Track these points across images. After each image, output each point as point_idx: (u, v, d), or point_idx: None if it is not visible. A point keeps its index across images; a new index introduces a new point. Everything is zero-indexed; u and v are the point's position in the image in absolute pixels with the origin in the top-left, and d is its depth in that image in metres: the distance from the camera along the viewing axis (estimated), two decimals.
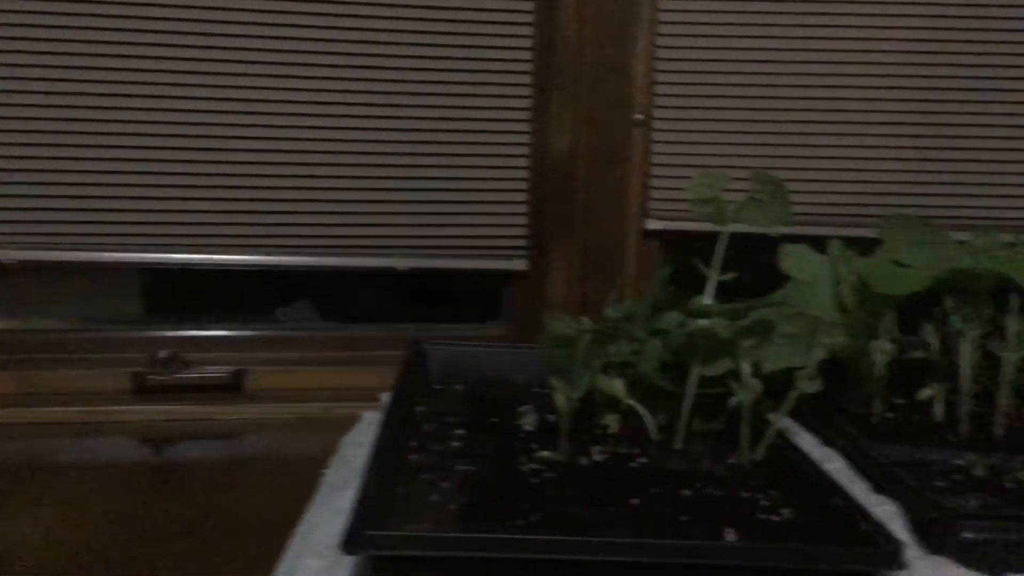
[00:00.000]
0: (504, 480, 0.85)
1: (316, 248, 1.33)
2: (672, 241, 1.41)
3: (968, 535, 0.69)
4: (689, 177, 0.97)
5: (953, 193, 1.38)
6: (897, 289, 0.87)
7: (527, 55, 1.34)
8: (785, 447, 0.89)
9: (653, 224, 1.39)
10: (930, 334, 1.04)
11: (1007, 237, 0.94)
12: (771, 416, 0.89)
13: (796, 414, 1.02)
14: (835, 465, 0.89)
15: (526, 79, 1.34)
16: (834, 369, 1.02)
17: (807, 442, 0.96)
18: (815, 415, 0.97)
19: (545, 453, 0.90)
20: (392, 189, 1.33)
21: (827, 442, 0.93)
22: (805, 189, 1.38)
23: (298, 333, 1.40)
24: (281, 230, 1.32)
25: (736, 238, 0.94)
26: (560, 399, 0.91)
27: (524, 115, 1.35)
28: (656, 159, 1.38)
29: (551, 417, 1.01)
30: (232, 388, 1.28)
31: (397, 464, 0.88)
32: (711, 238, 0.98)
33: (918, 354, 1.10)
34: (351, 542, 0.63)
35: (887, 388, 1.05)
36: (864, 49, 1.36)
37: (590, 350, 0.91)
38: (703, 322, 0.92)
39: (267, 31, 1.29)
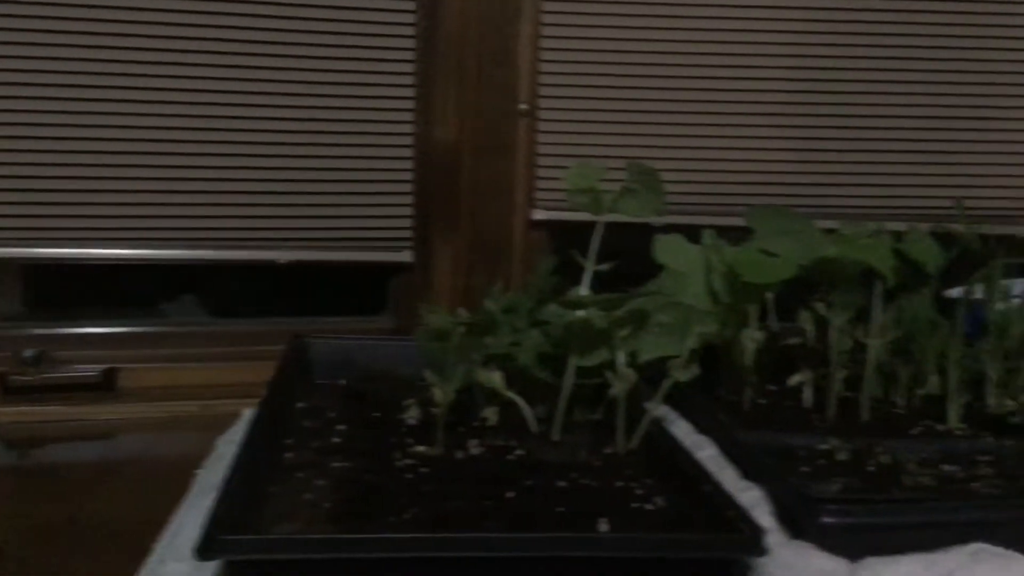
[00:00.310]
0: (379, 477, 0.84)
1: (195, 241, 1.30)
2: (560, 231, 1.42)
3: (828, 520, 0.70)
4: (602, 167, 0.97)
5: (824, 183, 1.42)
6: (764, 278, 0.89)
7: (409, 44, 1.32)
8: (660, 436, 0.90)
9: (539, 214, 1.39)
10: (806, 321, 1.06)
11: (872, 226, 0.96)
12: (647, 405, 0.89)
13: (673, 402, 1.03)
14: (708, 452, 0.90)
15: (409, 68, 1.33)
16: (709, 357, 1.04)
17: (683, 430, 0.97)
18: (691, 403, 0.98)
19: (420, 448, 0.89)
20: (274, 180, 1.30)
21: (701, 430, 0.94)
22: (688, 179, 1.40)
23: (175, 329, 1.36)
24: (159, 223, 1.28)
25: (631, 227, 0.94)
26: (438, 393, 0.90)
27: (408, 105, 1.33)
28: (541, 149, 1.38)
29: (435, 411, 1.01)
30: (104, 387, 1.24)
31: (269, 462, 0.86)
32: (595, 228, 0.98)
33: (794, 341, 1.13)
34: (206, 547, 0.61)
35: (761, 375, 1.07)
36: (741, 41, 1.39)
37: (466, 343, 0.90)
38: (580, 313, 0.92)
39: (145, 26, 1.24)
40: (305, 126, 1.31)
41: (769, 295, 1.10)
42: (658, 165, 1.39)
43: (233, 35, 1.27)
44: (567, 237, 1.46)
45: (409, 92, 1.33)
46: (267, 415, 0.93)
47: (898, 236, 1.00)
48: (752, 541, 0.68)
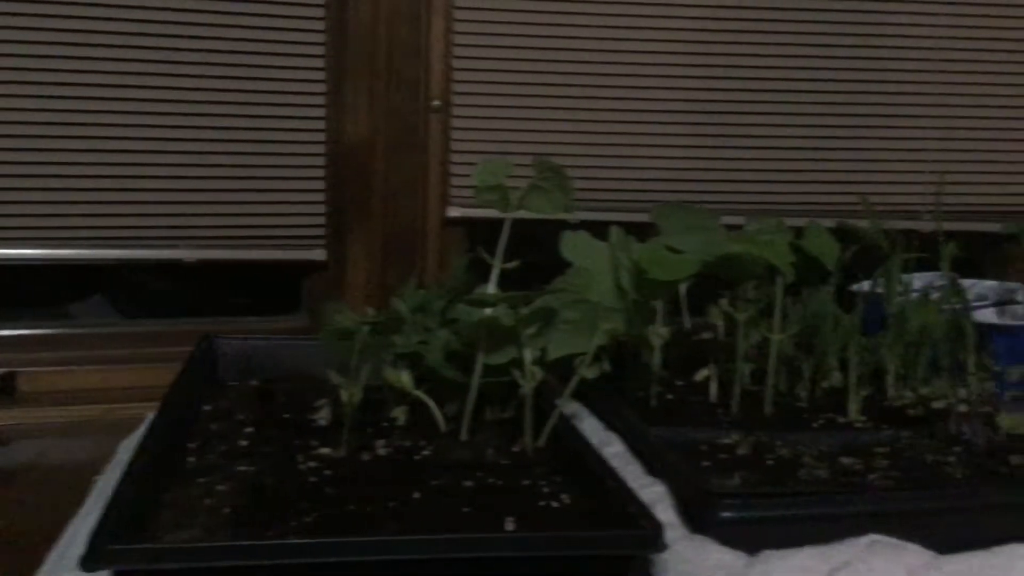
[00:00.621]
0: (281, 480, 0.82)
1: (98, 240, 1.26)
2: (477, 228, 1.41)
3: (727, 514, 0.71)
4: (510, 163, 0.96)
5: (732, 179, 1.44)
6: (669, 275, 0.89)
7: (319, 38, 1.30)
8: (568, 433, 0.90)
9: (454, 211, 1.39)
10: (715, 316, 1.07)
11: (773, 222, 0.98)
12: (558, 402, 0.89)
13: (583, 399, 1.03)
14: (615, 449, 0.90)
15: (319, 63, 1.31)
16: (619, 353, 1.04)
17: (592, 427, 0.97)
18: (599, 400, 0.98)
19: (325, 450, 0.87)
20: (181, 177, 1.28)
21: (609, 426, 0.95)
22: (603, 175, 1.40)
23: (78, 331, 1.33)
24: (62, 222, 1.24)
25: (550, 222, 0.94)
26: (344, 394, 0.89)
27: (318, 100, 1.31)
28: (456, 145, 1.37)
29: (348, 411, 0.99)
30: (2, 392, 1.20)
31: (168, 467, 0.84)
32: (515, 225, 0.98)
33: (706, 336, 1.14)
34: (91, 558, 0.59)
35: (671, 371, 1.08)
36: (652, 39, 1.40)
37: (371, 342, 0.89)
38: (487, 311, 0.91)
39: (45, 19, 1.20)
40: (213, 122, 1.28)
41: (682, 291, 1.11)
42: (573, 161, 1.42)
43: (137, 28, 1.24)
44: (484, 234, 1.45)
45: (320, 87, 1.32)
46: (167, 418, 0.91)
47: (800, 232, 1.01)
48: (651, 537, 0.68)
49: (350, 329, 0.86)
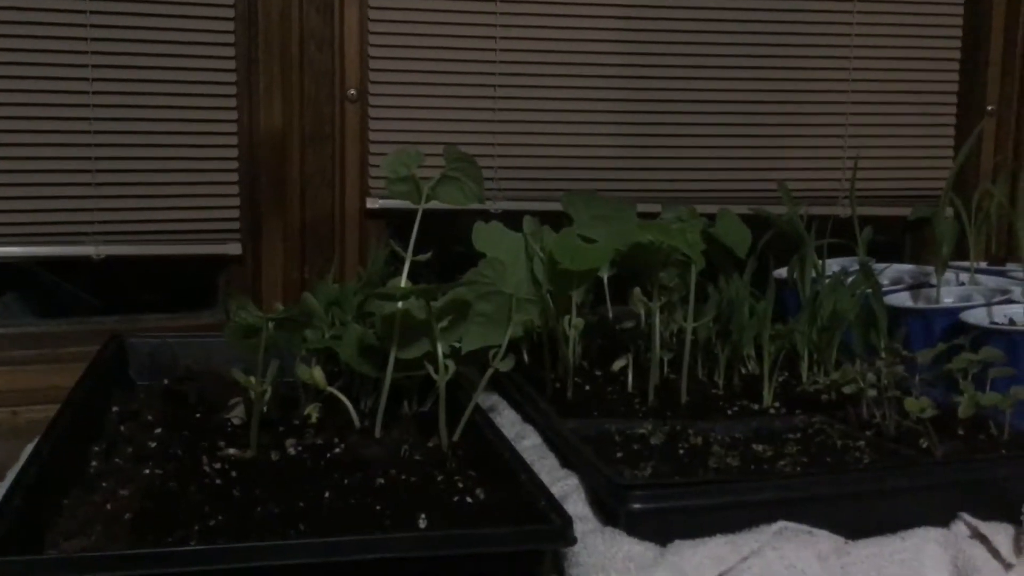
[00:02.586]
0: (186, 483, 0.80)
1: (3, 237, 1.22)
2: (399, 219, 1.39)
3: (637, 506, 0.70)
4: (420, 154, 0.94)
5: (651, 167, 1.43)
6: (580, 264, 0.88)
7: (229, 26, 1.27)
8: (483, 427, 0.89)
9: (374, 203, 1.36)
10: (638, 304, 1.07)
11: (684, 211, 0.97)
12: (479, 396, 0.88)
13: (502, 391, 1.02)
14: (531, 441, 0.89)
15: (229, 52, 1.27)
16: (538, 345, 1.04)
17: (510, 419, 0.96)
18: (518, 392, 0.97)
19: (232, 451, 0.85)
20: (89, 171, 1.23)
21: (527, 418, 0.94)
22: (523, 164, 1.39)
23: None
24: None
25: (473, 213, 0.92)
26: (251, 393, 0.87)
27: (229, 91, 1.28)
28: (374, 135, 1.35)
29: (264, 409, 0.97)
30: None
31: (68, 472, 0.81)
32: (439, 216, 0.96)
33: (629, 325, 1.14)
34: None
35: (590, 360, 1.08)
36: (567, 27, 1.39)
37: (278, 339, 0.86)
38: (399, 304, 0.90)
39: None
40: (120, 114, 1.24)
41: (605, 279, 1.10)
42: (492, 151, 1.40)
43: (40, 17, 1.20)
44: (408, 226, 1.43)
45: (230, 77, 1.28)
46: (68, 421, 0.87)
47: (714, 220, 1.01)
48: (559, 531, 0.68)
49: (254, 326, 0.84)
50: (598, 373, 1.04)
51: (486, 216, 1.11)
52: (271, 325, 0.84)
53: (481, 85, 1.37)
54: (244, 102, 1.30)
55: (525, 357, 1.07)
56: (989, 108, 1.56)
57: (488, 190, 1.38)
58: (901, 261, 1.40)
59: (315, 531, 0.71)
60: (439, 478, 0.82)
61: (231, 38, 1.27)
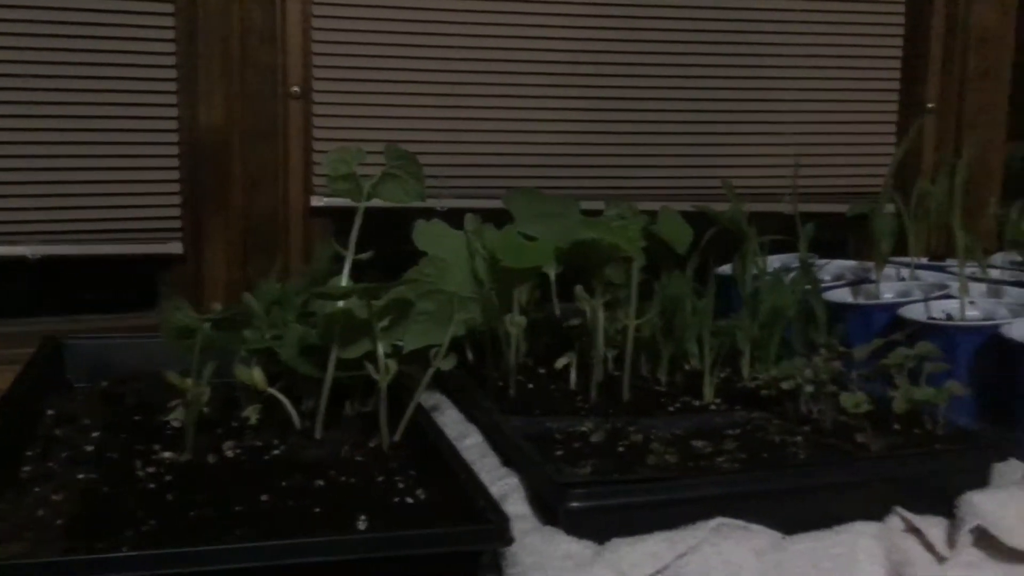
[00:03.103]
0: (120, 488, 0.78)
1: None
2: (346, 218, 1.37)
3: (575, 504, 0.70)
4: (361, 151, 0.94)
5: (593, 164, 1.44)
6: (521, 263, 0.88)
7: (169, 22, 1.25)
8: (425, 426, 0.88)
9: (318, 201, 1.35)
10: (584, 302, 1.07)
11: (625, 207, 0.97)
12: (421, 395, 0.88)
13: (447, 390, 1.02)
14: (472, 440, 0.89)
15: (170, 48, 1.25)
16: (482, 343, 1.03)
17: (453, 418, 0.95)
18: (461, 391, 0.97)
19: (167, 455, 0.84)
20: (24, 169, 1.21)
21: (470, 417, 0.93)
22: (469, 162, 1.38)
23: None
24: None
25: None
26: (188, 395, 0.86)
27: (170, 87, 1.26)
28: (318, 133, 1.34)
29: (205, 410, 0.96)
30: None
31: (1, 477, 0.79)
32: (388, 214, 0.95)
33: (574, 322, 1.14)
34: None
35: (535, 358, 1.07)
36: (513, 23, 1.38)
37: (214, 340, 0.85)
38: (339, 304, 0.89)
39: None
40: (58, 111, 1.21)
41: (551, 276, 1.10)
42: (438, 148, 1.40)
43: None
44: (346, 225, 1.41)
45: (171, 73, 1.26)
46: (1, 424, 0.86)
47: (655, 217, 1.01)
48: (496, 531, 0.67)
49: (189, 327, 0.82)
50: (542, 371, 1.04)
51: (432, 215, 1.10)
52: (207, 326, 0.83)
53: (427, 82, 1.36)
54: (185, 98, 1.28)
55: (470, 356, 1.07)
56: (930, 105, 1.58)
57: (435, 188, 1.37)
58: (845, 257, 1.41)
59: (251, 535, 0.70)
60: (379, 479, 0.81)
61: (171, 33, 1.25)
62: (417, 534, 0.67)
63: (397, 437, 0.88)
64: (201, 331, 0.83)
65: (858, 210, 1.19)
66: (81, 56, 1.22)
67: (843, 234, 1.62)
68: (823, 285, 1.21)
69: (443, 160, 1.38)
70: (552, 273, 1.06)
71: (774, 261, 1.17)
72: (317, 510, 0.75)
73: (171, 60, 1.26)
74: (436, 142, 1.38)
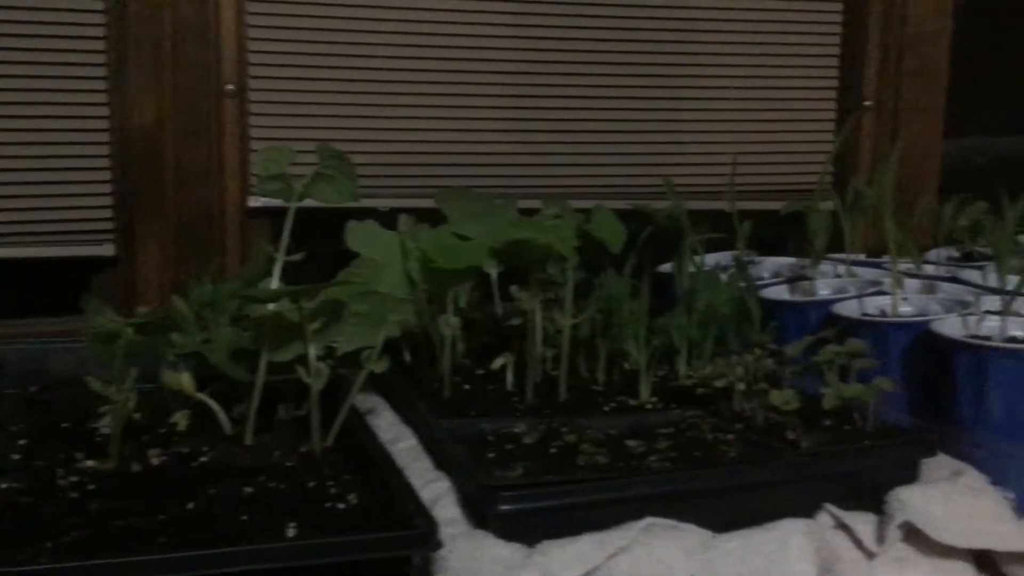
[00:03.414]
0: (41, 498, 0.76)
1: None
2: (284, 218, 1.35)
3: (505, 507, 0.69)
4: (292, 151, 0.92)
5: (531, 163, 1.43)
6: (453, 263, 0.87)
7: (99, 19, 1.22)
8: (359, 430, 0.87)
9: (256, 201, 1.33)
10: (524, 301, 1.06)
11: (558, 207, 0.97)
12: (354, 397, 0.86)
13: (384, 392, 1.01)
14: (407, 443, 0.88)
15: (100, 45, 1.22)
16: (417, 344, 1.02)
17: (389, 421, 0.94)
18: (398, 393, 0.96)
19: (90, 463, 0.82)
20: None
21: (405, 420, 0.92)
22: (410, 161, 1.37)
23: None
24: None
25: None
26: (112, 401, 0.84)
27: (100, 86, 1.23)
28: (254, 132, 1.31)
29: (137, 416, 0.94)
30: None
31: None
32: (330, 215, 0.93)
33: (515, 322, 1.13)
34: None
35: (473, 358, 1.07)
36: (452, 21, 1.37)
37: (139, 344, 0.83)
38: (270, 306, 0.87)
39: None
40: None
41: (493, 275, 1.09)
42: (376, 147, 1.38)
43: None
44: (295, 224, 1.39)
45: (101, 72, 1.23)
46: None
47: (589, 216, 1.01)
48: (424, 536, 0.67)
49: (113, 331, 0.80)
50: (480, 372, 1.03)
51: (374, 215, 1.09)
52: (130, 331, 0.81)
53: (365, 80, 1.35)
54: (115, 97, 1.25)
55: (408, 357, 1.06)
56: (867, 103, 1.60)
57: (374, 187, 1.36)
58: (786, 254, 1.42)
59: (176, 545, 0.68)
60: (310, 484, 0.80)
61: (101, 31, 1.23)
62: (343, 541, 0.66)
63: (330, 441, 0.86)
64: (124, 336, 0.81)
65: (793, 208, 1.20)
66: (8, 55, 1.19)
67: (783, 231, 1.63)
68: (761, 282, 1.22)
69: (383, 160, 1.37)
70: (494, 272, 1.06)
71: (715, 259, 1.17)
72: (244, 518, 0.73)
73: (101, 59, 1.23)
74: (375, 140, 1.36)
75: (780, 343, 0.99)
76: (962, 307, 1.05)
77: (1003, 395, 0.91)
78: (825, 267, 1.26)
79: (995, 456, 0.88)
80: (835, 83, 1.59)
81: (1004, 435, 0.91)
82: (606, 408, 0.93)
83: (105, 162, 1.25)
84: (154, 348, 0.90)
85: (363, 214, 1.06)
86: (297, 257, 0.91)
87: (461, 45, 1.38)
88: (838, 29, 1.58)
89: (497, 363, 0.99)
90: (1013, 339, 0.99)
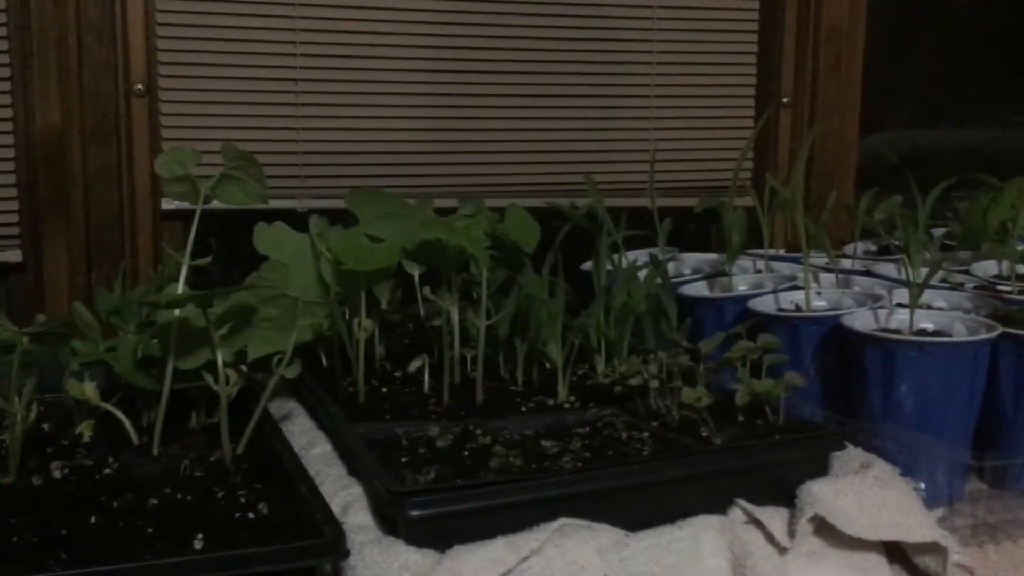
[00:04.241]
0: None
1: None
2: (202, 221, 1.32)
3: (414, 512, 0.68)
4: (205, 152, 0.89)
5: (449, 163, 1.42)
6: (364, 265, 0.86)
7: (0, 18, 1.18)
8: (271, 437, 0.85)
9: (169, 203, 1.29)
10: (447, 302, 1.05)
11: (471, 206, 0.96)
12: (267, 402, 0.84)
13: (300, 397, 0.99)
14: (321, 449, 0.86)
15: (2, 45, 1.18)
16: (333, 348, 1.01)
17: (303, 426, 0.93)
18: (313, 397, 0.94)
19: None
20: None
21: (320, 425, 0.91)
22: (327, 161, 1.35)
23: None
24: None
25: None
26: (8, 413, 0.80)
27: (3, 86, 1.19)
28: (166, 132, 1.28)
29: (45, 426, 0.90)
30: None
31: None
32: (251, 217, 0.91)
33: (436, 323, 1.12)
34: None
35: (392, 361, 1.05)
36: (371, 19, 1.36)
37: (36, 353, 0.81)
38: (176, 312, 0.85)
39: None
40: None
41: (416, 276, 1.08)
42: (294, 148, 1.36)
43: None
44: (211, 227, 1.36)
45: (3, 72, 1.19)
46: None
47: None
48: (331, 546, 0.65)
49: (8, 341, 0.77)
50: (398, 374, 1.02)
51: (294, 216, 1.07)
52: (26, 340, 0.78)
53: (280, 79, 1.33)
54: (19, 98, 1.21)
55: (324, 361, 1.04)
56: (785, 99, 1.62)
57: (292, 188, 1.34)
58: (710, 250, 1.43)
59: (77, 560, 0.66)
60: (220, 494, 0.78)
61: (3, 31, 1.18)
62: (248, 552, 0.64)
63: (241, 450, 0.84)
64: (20, 345, 0.78)
65: (706, 204, 1.21)
66: None
67: (708, 227, 1.64)
68: (681, 279, 1.23)
69: (299, 160, 1.35)
70: (416, 273, 1.04)
71: (637, 257, 1.18)
72: (150, 531, 0.71)
73: (4, 59, 1.19)
74: (292, 140, 1.34)
75: (698, 339, 1.00)
76: (874, 301, 1.06)
77: (911, 387, 0.93)
78: (745, 263, 1.28)
79: (904, 448, 0.90)
80: (753, 79, 1.60)
81: (913, 426, 0.92)
82: (523, 408, 0.92)
83: (10, 165, 1.21)
84: (55, 357, 0.87)
85: (283, 216, 1.04)
86: (204, 261, 0.88)
87: (374, 43, 1.37)
88: (756, 26, 1.59)
89: (414, 365, 0.98)
90: (922, 332, 1.00)
